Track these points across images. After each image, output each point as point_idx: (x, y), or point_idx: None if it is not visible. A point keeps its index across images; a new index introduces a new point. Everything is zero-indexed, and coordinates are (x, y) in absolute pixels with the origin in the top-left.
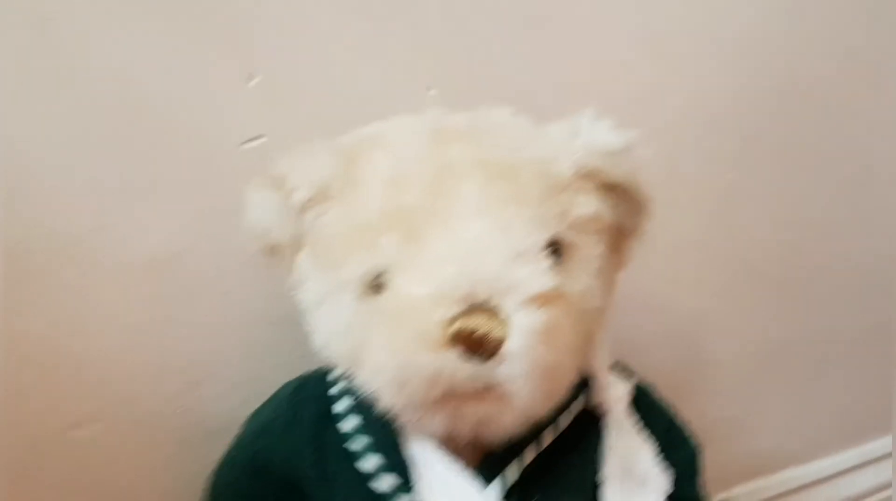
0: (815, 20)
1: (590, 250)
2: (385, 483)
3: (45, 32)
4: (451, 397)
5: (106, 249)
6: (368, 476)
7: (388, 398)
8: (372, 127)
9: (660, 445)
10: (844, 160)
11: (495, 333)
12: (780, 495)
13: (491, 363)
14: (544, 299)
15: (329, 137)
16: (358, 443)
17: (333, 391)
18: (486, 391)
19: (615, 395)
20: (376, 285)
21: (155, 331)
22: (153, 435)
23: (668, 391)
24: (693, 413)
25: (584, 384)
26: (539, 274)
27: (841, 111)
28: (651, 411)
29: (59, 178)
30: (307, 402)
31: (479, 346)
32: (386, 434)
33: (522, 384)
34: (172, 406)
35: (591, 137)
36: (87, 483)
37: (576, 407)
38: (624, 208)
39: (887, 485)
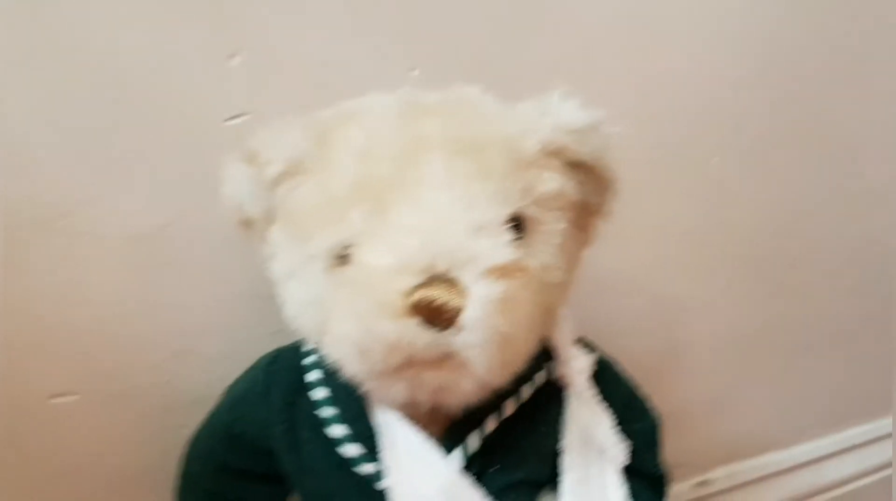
0: (805, 8)
1: (552, 226)
2: (351, 451)
3: (33, 11)
4: (410, 364)
5: (91, 222)
6: (337, 442)
7: (351, 366)
8: (346, 104)
9: (620, 417)
10: (831, 146)
11: (453, 303)
12: (760, 479)
13: (449, 332)
14: (503, 272)
15: (309, 113)
16: (326, 412)
17: (307, 361)
18: (445, 359)
19: (577, 367)
20: (343, 257)
21: (139, 303)
22: (135, 405)
23: (648, 374)
24: (673, 396)
25: (547, 357)
26: (499, 247)
27: (828, 97)
28: (612, 383)
29: (44, 152)
30: (281, 372)
31: (437, 315)
32: (352, 405)
33: (479, 352)
34: (155, 377)
35: (559, 114)
36: (68, 450)
37: (538, 379)
38: (590, 186)
39: (870, 471)
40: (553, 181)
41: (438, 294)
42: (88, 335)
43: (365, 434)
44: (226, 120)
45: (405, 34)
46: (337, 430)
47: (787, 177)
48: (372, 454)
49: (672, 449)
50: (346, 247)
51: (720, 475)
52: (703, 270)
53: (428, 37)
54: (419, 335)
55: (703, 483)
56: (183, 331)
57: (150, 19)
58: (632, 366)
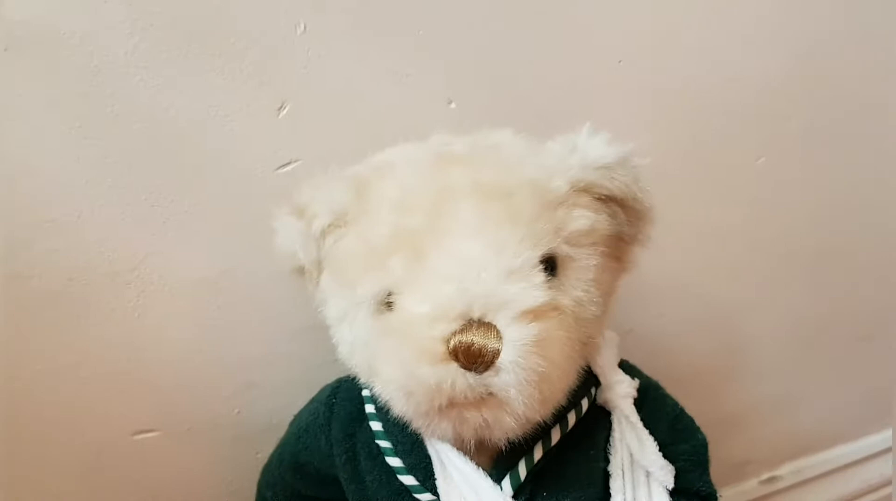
0: (847, 2)
1: (585, 262)
2: (407, 481)
3: (94, 82)
4: (453, 405)
5: (158, 272)
6: (396, 471)
7: (398, 407)
8: (382, 155)
9: (667, 438)
10: (874, 139)
11: (490, 346)
12: (828, 473)
13: (487, 374)
14: (536, 314)
15: (357, 155)
16: (383, 443)
17: (365, 393)
18: (485, 399)
19: (622, 392)
20: (387, 303)
21: (206, 343)
22: (210, 437)
23: (710, 376)
24: (737, 395)
25: (592, 381)
26: (531, 290)
27: (873, 92)
28: (657, 406)
29: (110, 212)
30: (341, 404)
31: (475, 359)
32: (404, 437)
33: (517, 392)
34: (226, 409)
35: (586, 152)
36: (151, 482)
37: (584, 405)
38: (623, 217)
39: None
40: (584, 218)
41: (475, 339)
42: (163, 375)
43: (419, 465)
44: (277, 168)
45: (441, 70)
46: (393, 461)
47: (834, 172)
48: (427, 483)
49: (738, 447)
50: (389, 294)
51: (787, 471)
52: (756, 269)
53: (463, 72)
54: (459, 378)
55: (770, 480)
56: (248, 365)
57: (204, 81)
58: (693, 369)
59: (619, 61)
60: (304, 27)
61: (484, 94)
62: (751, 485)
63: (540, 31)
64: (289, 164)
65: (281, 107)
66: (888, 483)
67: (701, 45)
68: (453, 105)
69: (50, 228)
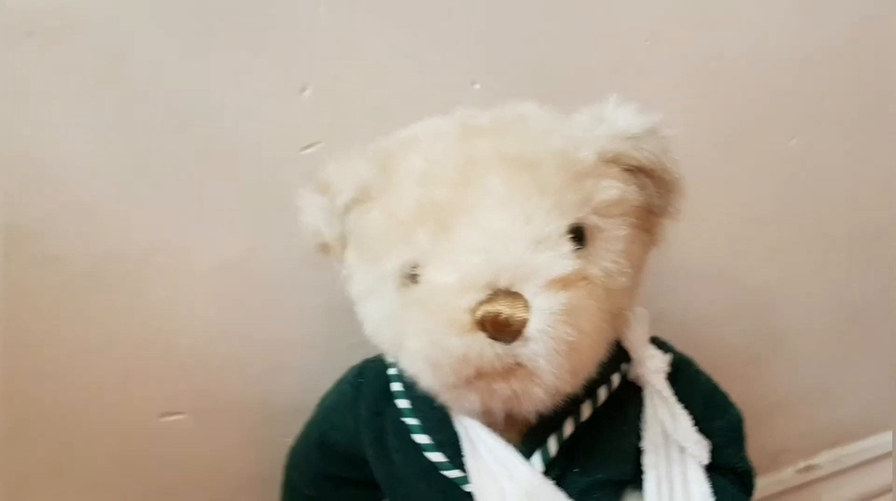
0: None
1: (614, 233)
2: (436, 457)
3: (117, 65)
4: (481, 376)
5: (186, 254)
6: (424, 448)
7: (426, 380)
8: (406, 129)
9: (701, 414)
10: None
11: (517, 315)
12: (867, 462)
13: (515, 344)
14: (564, 283)
15: (380, 137)
16: (410, 421)
17: (392, 371)
18: (514, 369)
19: (654, 366)
20: (413, 276)
21: (232, 325)
22: (237, 419)
23: (747, 362)
24: (773, 382)
25: (623, 357)
26: (559, 259)
27: None
28: (691, 382)
29: (139, 193)
30: (367, 383)
31: (502, 328)
32: (432, 414)
33: (546, 361)
34: (253, 391)
35: (614, 122)
36: (178, 465)
37: (614, 381)
38: (652, 189)
39: None
40: (612, 189)
41: (502, 308)
42: (190, 358)
43: (447, 442)
44: (301, 149)
45: (465, 51)
46: (421, 438)
47: (872, 152)
48: (456, 460)
49: (776, 435)
50: (414, 267)
51: (826, 459)
52: (791, 253)
53: (486, 52)
54: (487, 348)
55: (808, 469)
56: (275, 347)
57: (228, 62)
58: (729, 355)
59: (646, 40)
60: (324, 7)
61: (508, 75)
62: (787, 474)
63: (564, 10)
64: (312, 145)
65: (303, 88)
66: None
67: (730, 22)
68: (477, 86)
69: (76, 210)
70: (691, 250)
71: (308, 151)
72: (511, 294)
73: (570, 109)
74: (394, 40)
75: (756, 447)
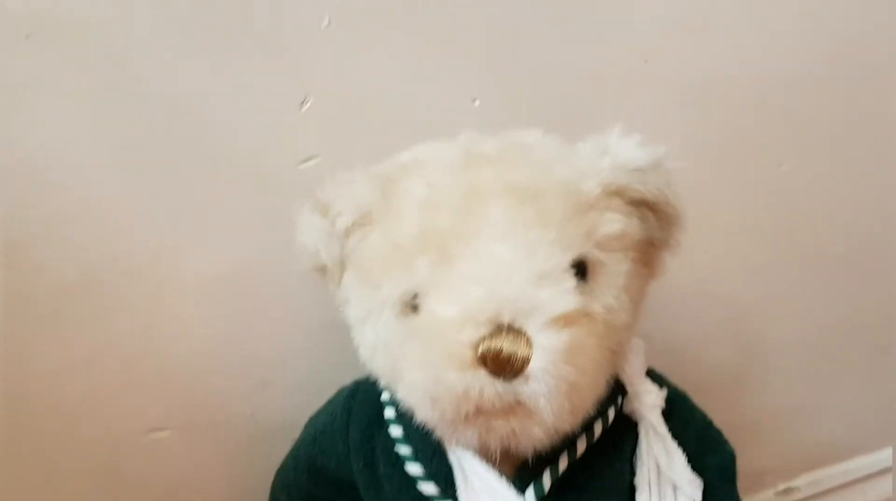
0: (873, 5)
1: (616, 267)
2: (428, 489)
3: (114, 71)
4: (480, 413)
5: (175, 267)
6: (415, 479)
7: (422, 413)
8: (409, 152)
9: (694, 451)
10: None
11: (520, 353)
12: (845, 485)
13: (516, 382)
14: (567, 320)
15: (379, 152)
16: (402, 450)
17: (384, 397)
18: (514, 407)
19: (649, 402)
20: (413, 306)
21: (222, 339)
22: (225, 436)
23: (729, 381)
24: (752, 405)
25: (618, 391)
26: (562, 295)
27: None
28: (685, 417)
29: (131, 204)
30: (360, 406)
31: (504, 366)
32: (426, 444)
33: (547, 401)
34: (241, 408)
35: (618, 154)
36: (166, 481)
37: (611, 414)
38: (654, 222)
39: None
40: (615, 222)
41: (505, 345)
42: (178, 372)
43: (440, 473)
44: (298, 163)
45: (465, 68)
46: (413, 468)
47: (859, 179)
48: (448, 491)
49: (755, 456)
50: (414, 295)
51: (804, 482)
52: (778, 276)
53: (486, 69)
54: (487, 385)
55: (787, 491)
56: (265, 363)
57: (226, 72)
58: (712, 374)
59: (646, 61)
60: (329, 20)
61: (508, 92)
62: (767, 496)
63: (565, 29)
64: (310, 159)
65: (304, 101)
66: None
67: (720, 43)
68: (477, 103)
69: (66, 220)
70: (675, 269)
71: (306, 164)
72: (513, 330)
73: (568, 129)
74: (395, 56)
75: None
